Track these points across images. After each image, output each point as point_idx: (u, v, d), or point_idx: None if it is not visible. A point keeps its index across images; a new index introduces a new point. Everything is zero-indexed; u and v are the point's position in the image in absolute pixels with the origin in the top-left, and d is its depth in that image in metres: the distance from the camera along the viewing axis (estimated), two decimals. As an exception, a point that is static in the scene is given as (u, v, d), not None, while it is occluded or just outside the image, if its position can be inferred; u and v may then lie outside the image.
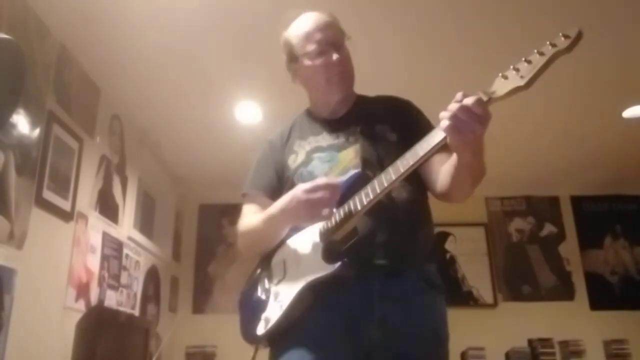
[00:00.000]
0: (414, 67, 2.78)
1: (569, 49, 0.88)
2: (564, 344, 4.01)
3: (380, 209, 1.14)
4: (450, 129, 0.95)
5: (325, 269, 1.10)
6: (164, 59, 2.64)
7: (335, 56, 1.29)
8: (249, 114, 3.19)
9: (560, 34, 0.89)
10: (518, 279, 4.37)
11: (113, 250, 2.92)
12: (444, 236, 4.49)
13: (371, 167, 1.20)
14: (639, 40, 2.57)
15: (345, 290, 1.13)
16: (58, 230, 2.34)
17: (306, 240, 1.19)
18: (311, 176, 1.25)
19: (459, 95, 0.96)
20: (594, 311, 4.25)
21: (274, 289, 1.23)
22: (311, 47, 1.31)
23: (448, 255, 4.45)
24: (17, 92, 2.01)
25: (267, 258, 1.30)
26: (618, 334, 4.06)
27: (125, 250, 3.11)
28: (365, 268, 1.13)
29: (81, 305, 2.49)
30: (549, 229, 4.54)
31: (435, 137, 1.00)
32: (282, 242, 1.26)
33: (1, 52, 1.91)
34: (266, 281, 1.27)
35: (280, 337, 1.18)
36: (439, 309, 1.22)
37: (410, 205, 1.22)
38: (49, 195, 2.23)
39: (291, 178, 1.30)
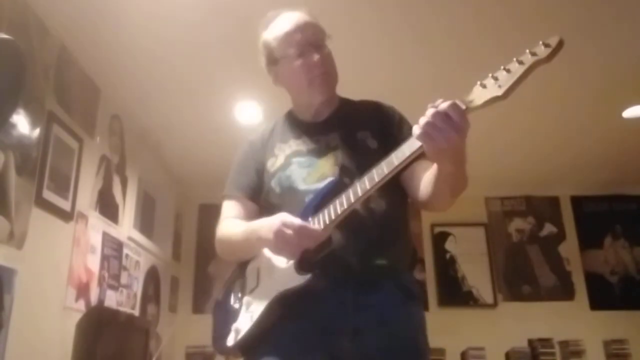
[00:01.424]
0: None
1: (549, 58, 0.85)
2: (564, 344, 4.01)
3: (357, 219, 1.12)
4: (422, 136, 0.92)
5: (296, 280, 1.08)
6: (164, 59, 2.64)
7: (316, 57, 1.26)
8: (249, 114, 3.19)
9: (541, 42, 0.86)
10: (518, 279, 4.37)
11: (113, 250, 2.92)
12: (444, 236, 4.49)
13: (349, 174, 1.17)
14: (639, 40, 2.57)
15: (319, 300, 1.10)
16: (58, 230, 2.34)
17: None
18: (289, 181, 1.23)
19: (438, 101, 0.93)
20: (594, 311, 4.25)
21: (246, 298, 1.21)
22: (291, 49, 1.27)
23: (448, 255, 4.45)
24: (17, 92, 2.01)
25: (242, 265, 1.28)
26: (618, 334, 4.06)
27: (125, 250, 3.11)
28: (339, 278, 1.11)
29: (81, 305, 2.49)
30: (549, 229, 4.54)
31: (413, 145, 0.98)
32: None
33: (1, 52, 1.91)
34: (239, 290, 1.25)
35: (251, 348, 1.16)
36: (417, 319, 1.19)
37: (388, 216, 1.19)
38: (49, 195, 2.23)
39: (269, 182, 1.28)
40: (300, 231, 1.06)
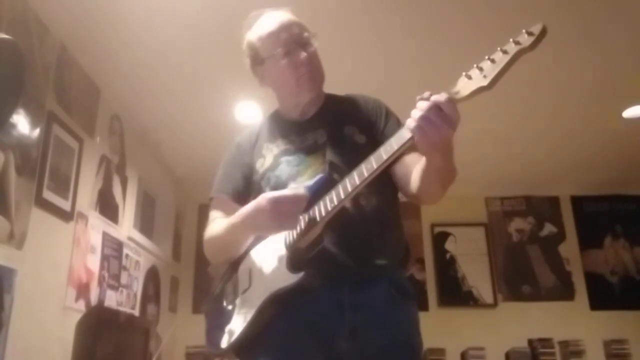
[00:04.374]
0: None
1: (532, 46, 0.85)
2: (564, 344, 4.01)
3: (348, 216, 1.12)
4: (417, 130, 0.93)
5: (289, 279, 1.07)
6: (164, 59, 2.64)
7: (302, 55, 1.25)
8: (249, 114, 3.18)
9: (524, 31, 0.86)
10: (518, 279, 4.38)
11: (113, 250, 2.92)
12: (444, 236, 4.49)
13: (338, 171, 1.15)
14: (639, 40, 2.57)
15: (313, 299, 1.09)
16: (58, 230, 2.34)
17: (271, 249, 1.16)
18: (279, 180, 1.22)
19: (426, 94, 0.94)
20: (594, 311, 4.26)
21: (239, 299, 1.20)
22: (277, 48, 1.26)
23: (448, 255, 4.45)
24: (17, 92, 2.01)
25: (234, 266, 1.27)
26: (618, 334, 4.06)
27: (125, 250, 3.11)
28: (333, 277, 1.09)
29: (81, 305, 2.49)
30: (549, 229, 4.54)
31: (401, 138, 0.97)
32: (248, 251, 1.22)
33: (1, 52, 1.91)
34: (232, 291, 1.24)
35: (245, 349, 1.15)
36: (412, 318, 1.18)
37: (379, 212, 1.18)
38: (49, 195, 2.23)
39: (259, 182, 1.27)
40: (293, 200, 1.07)
